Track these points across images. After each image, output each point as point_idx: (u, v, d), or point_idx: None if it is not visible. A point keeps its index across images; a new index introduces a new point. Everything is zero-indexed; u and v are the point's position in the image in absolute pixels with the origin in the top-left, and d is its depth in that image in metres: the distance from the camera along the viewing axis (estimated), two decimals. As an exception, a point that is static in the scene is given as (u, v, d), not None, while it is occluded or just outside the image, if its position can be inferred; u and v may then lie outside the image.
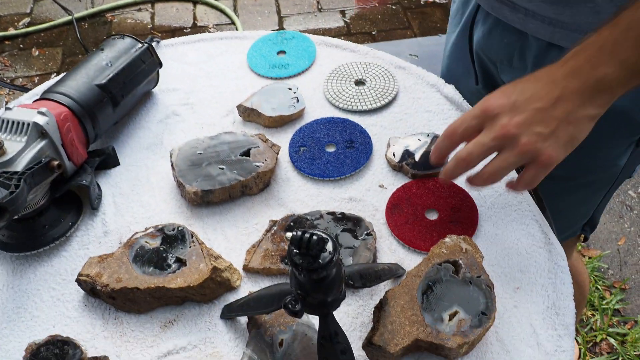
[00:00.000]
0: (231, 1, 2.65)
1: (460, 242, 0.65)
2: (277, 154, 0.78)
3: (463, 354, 0.60)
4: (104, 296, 0.65)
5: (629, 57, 0.55)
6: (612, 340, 1.49)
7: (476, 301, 0.60)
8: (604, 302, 1.56)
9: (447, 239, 0.65)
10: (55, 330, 0.64)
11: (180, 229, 0.69)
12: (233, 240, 0.72)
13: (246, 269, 0.69)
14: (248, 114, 0.86)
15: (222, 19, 2.56)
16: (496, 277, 0.66)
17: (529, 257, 0.69)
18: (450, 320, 0.59)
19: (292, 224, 0.71)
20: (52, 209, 0.72)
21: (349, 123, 0.84)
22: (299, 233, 0.47)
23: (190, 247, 0.67)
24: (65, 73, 0.79)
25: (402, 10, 2.58)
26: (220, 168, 0.75)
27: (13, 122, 0.68)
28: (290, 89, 0.88)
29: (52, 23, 2.51)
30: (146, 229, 0.70)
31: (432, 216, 0.73)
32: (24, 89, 0.94)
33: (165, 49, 0.99)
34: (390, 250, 0.70)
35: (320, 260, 0.47)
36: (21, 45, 2.44)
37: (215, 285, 0.65)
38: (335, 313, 0.55)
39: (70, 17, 2.47)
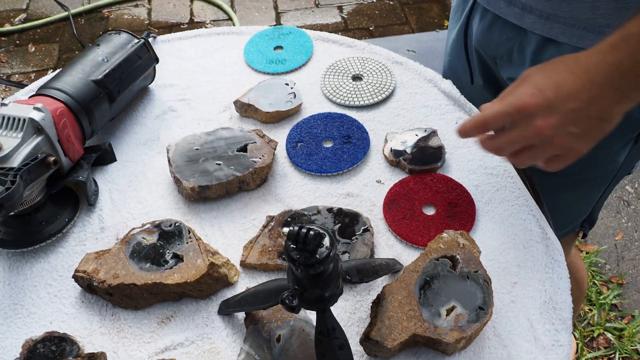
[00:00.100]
0: (228, -3, 2.64)
1: (457, 237, 0.65)
2: (274, 149, 0.78)
3: (460, 349, 0.60)
4: (101, 292, 0.65)
5: None
6: (609, 335, 1.49)
7: (473, 296, 0.60)
8: (601, 297, 1.57)
9: (444, 234, 0.65)
10: (52, 327, 0.64)
11: (177, 224, 0.69)
12: (230, 236, 0.72)
13: (243, 264, 0.69)
14: (245, 109, 0.85)
15: (219, 15, 2.55)
16: (493, 272, 0.67)
17: (526, 252, 0.69)
18: (447, 315, 0.59)
19: (289, 219, 0.71)
20: (48, 205, 0.72)
21: (346, 118, 0.84)
22: (296, 228, 0.47)
23: (187, 243, 0.67)
24: (61, 69, 0.79)
25: (399, 5, 2.58)
26: (217, 164, 0.75)
27: (9, 118, 0.68)
28: (287, 84, 0.88)
29: (48, 19, 2.50)
30: (143, 225, 0.70)
31: (430, 211, 0.73)
32: (20, 85, 0.94)
33: (162, 45, 0.99)
34: (388, 246, 0.70)
35: (317, 256, 0.47)
36: (17, 42, 2.43)
37: (212, 281, 0.65)
38: (332, 308, 0.55)
39: (66, 13, 2.47)
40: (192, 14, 2.56)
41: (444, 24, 2.46)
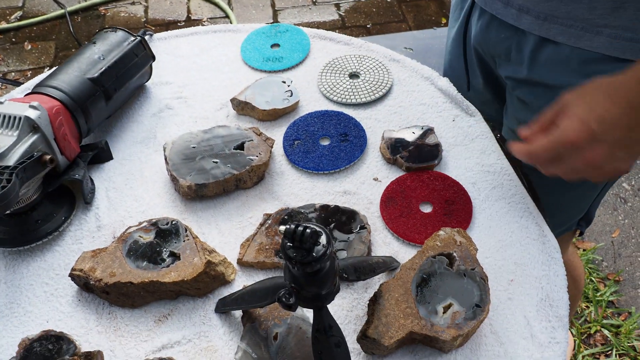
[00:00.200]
0: (225, -6, 2.63)
1: (454, 234, 0.65)
2: (271, 147, 0.78)
3: (457, 346, 0.60)
4: (98, 291, 0.65)
5: None
6: (606, 332, 1.49)
7: (470, 293, 0.60)
8: (598, 294, 1.57)
9: (441, 232, 0.65)
10: (48, 326, 0.64)
11: (174, 223, 0.69)
12: (227, 234, 0.72)
13: (240, 262, 0.69)
14: (242, 107, 0.85)
15: (216, 12, 2.54)
16: (490, 270, 0.67)
17: (523, 249, 0.69)
18: (444, 312, 0.59)
19: (286, 217, 0.71)
20: (44, 204, 0.72)
21: (343, 116, 0.84)
22: (293, 226, 0.47)
23: (184, 241, 0.67)
24: (57, 67, 0.79)
25: (396, 3, 2.58)
26: (214, 162, 0.75)
27: (4, 116, 0.67)
28: (284, 82, 0.87)
29: (44, 16, 2.49)
30: (140, 223, 0.70)
31: (427, 209, 0.73)
32: (17, 83, 0.94)
33: (159, 42, 0.99)
34: (385, 243, 0.70)
35: (313, 254, 0.47)
36: (13, 39, 2.42)
37: (209, 279, 0.65)
38: (329, 306, 0.55)
39: (63, 11, 2.46)
40: (189, 11, 2.55)
41: (442, 22, 2.46)
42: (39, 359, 0.58)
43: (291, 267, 0.49)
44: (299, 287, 0.51)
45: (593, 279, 1.61)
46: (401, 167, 0.78)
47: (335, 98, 0.87)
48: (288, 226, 0.47)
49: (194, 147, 0.77)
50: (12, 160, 0.65)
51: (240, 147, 0.77)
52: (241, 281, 0.68)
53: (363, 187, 0.76)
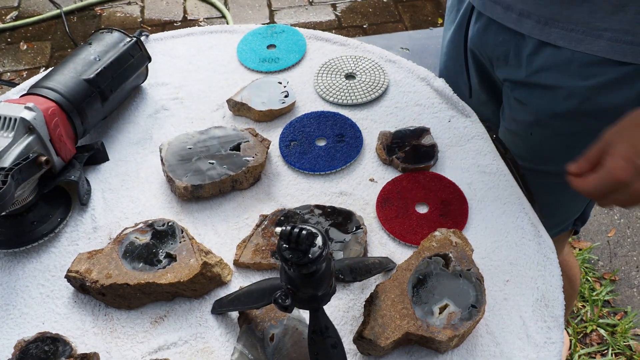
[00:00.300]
0: (221, -6, 2.63)
1: (450, 235, 0.65)
2: (268, 148, 0.78)
3: (453, 347, 0.61)
4: (94, 292, 0.64)
5: None
6: (602, 331, 1.50)
7: (466, 294, 0.60)
8: (594, 293, 1.57)
9: (437, 233, 0.65)
10: (44, 327, 0.64)
11: (170, 224, 0.69)
12: (223, 235, 0.72)
13: (237, 263, 0.69)
14: (238, 108, 0.85)
15: (212, 12, 2.54)
16: (486, 270, 0.67)
17: (518, 249, 0.69)
18: (440, 313, 0.59)
19: (282, 218, 0.71)
20: (40, 205, 0.72)
21: (340, 117, 0.84)
22: (288, 228, 0.47)
23: (180, 242, 0.67)
24: (52, 67, 0.78)
25: (393, 3, 2.58)
26: (210, 163, 0.75)
27: (0, 118, 0.67)
28: (280, 83, 0.87)
29: (40, 17, 2.49)
30: (136, 225, 0.69)
31: (423, 210, 0.73)
32: (12, 84, 0.93)
33: (155, 43, 0.99)
34: (381, 244, 0.70)
35: (309, 255, 0.47)
36: (9, 39, 2.41)
37: (205, 281, 0.65)
38: (325, 307, 0.55)
39: (58, 11, 2.45)
40: (185, 11, 2.55)
41: (438, 22, 2.47)
42: (35, 360, 0.58)
43: (287, 269, 0.49)
44: (295, 288, 0.51)
45: (589, 278, 1.61)
46: (397, 167, 0.78)
47: (331, 99, 0.87)
48: (284, 228, 0.47)
49: (190, 148, 0.77)
50: (7, 161, 0.65)
51: (237, 148, 0.77)
52: (237, 282, 0.68)
53: (359, 187, 0.76)
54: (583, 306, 1.56)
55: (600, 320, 1.52)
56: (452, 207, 0.73)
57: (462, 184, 0.75)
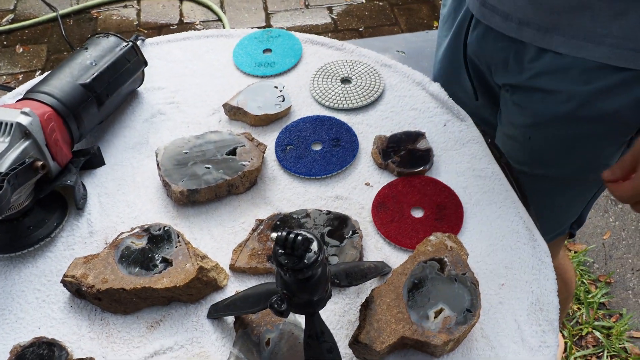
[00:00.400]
0: (218, -3, 2.64)
1: (445, 239, 0.65)
2: (264, 152, 0.78)
3: (449, 351, 0.61)
4: (90, 297, 0.65)
5: None
6: (597, 334, 1.50)
7: (461, 298, 0.60)
8: (590, 295, 1.58)
9: (432, 237, 0.66)
10: (40, 332, 0.64)
11: (166, 228, 0.69)
12: (219, 239, 0.72)
13: (233, 268, 0.69)
14: (234, 112, 0.85)
15: (208, 16, 2.54)
16: (481, 274, 0.67)
17: (513, 253, 0.69)
18: (435, 317, 0.59)
19: (278, 222, 0.71)
20: (36, 210, 0.72)
21: (335, 121, 0.84)
22: (284, 233, 0.47)
23: (176, 247, 0.67)
24: (48, 72, 0.79)
25: (389, 6, 2.59)
26: (206, 167, 0.75)
27: (-4, 123, 0.67)
28: (276, 87, 0.88)
29: (36, 20, 2.48)
30: (132, 229, 0.70)
31: (418, 214, 0.74)
32: (8, 88, 0.93)
33: (151, 47, 0.99)
34: (377, 248, 0.71)
35: (305, 260, 0.47)
36: (5, 42, 2.41)
37: (201, 285, 0.65)
38: (321, 312, 0.55)
39: (54, 14, 2.45)
40: (181, 14, 2.55)
41: (433, 25, 2.48)
42: (31, 366, 0.58)
43: (283, 274, 0.49)
44: (291, 293, 0.51)
45: (584, 280, 1.62)
46: (393, 172, 0.78)
47: (327, 103, 0.87)
48: (279, 233, 0.47)
49: (186, 153, 0.77)
50: (3, 166, 0.65)
51: (233, 152, 0.77)
52: (233, 287, 0.68)
53: (355, 192, 0.77)
54: (578, 308, 1.56)
55: (596, 323, 1.52)
56: (447, 211, 0.73)
57: (457, 188, 0.76)
